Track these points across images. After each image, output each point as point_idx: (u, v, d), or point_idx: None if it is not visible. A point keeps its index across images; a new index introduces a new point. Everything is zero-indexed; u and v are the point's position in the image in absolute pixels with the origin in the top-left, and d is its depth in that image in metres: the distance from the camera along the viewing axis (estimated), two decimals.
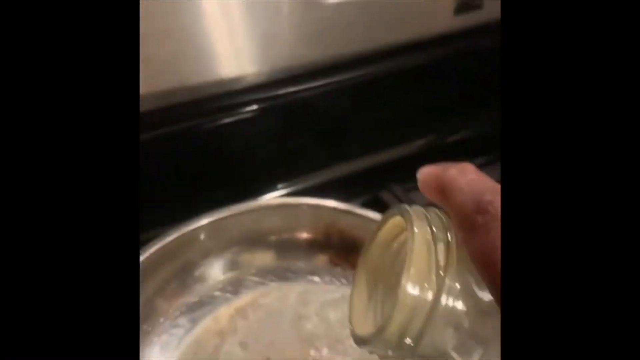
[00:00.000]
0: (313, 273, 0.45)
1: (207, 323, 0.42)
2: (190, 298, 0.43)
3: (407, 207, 0.19)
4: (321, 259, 0.45)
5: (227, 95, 0.48)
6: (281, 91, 0.50)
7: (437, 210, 0.19)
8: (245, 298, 0.44)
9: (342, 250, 0.44)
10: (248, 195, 0.49)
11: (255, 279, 0.44)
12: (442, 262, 0.17)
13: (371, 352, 0.19)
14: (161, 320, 0.41)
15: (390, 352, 0.18)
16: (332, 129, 0.58)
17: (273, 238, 0.44)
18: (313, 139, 0.57)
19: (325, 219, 0.43)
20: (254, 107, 0.51)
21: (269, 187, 0.54)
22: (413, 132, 0.63)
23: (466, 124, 0.65)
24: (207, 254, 0.43)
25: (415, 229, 0.17)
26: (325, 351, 0.40)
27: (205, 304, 0.43)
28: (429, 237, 0.17)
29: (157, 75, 0.44)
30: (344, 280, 0.45)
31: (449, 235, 0.18)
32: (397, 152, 0.61)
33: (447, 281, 0.16)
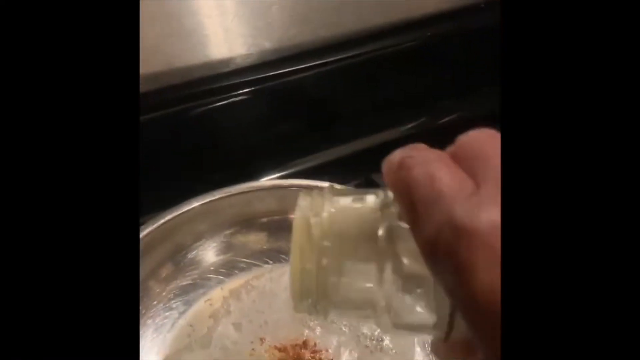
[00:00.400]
0: None
1: (201, 305, 0.42)
2: (184, 280, 0.43)
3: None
4: None
5: (217, 78, 0.48)
6: (271, 73, 0.50)
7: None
8: (238, 280, 0.44)
9: None
10: (241, 180, 0.49)
11: (249, 260, 0.44)
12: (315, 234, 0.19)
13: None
14: (154, 302, 0.41)
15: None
16: (324, 112, 0.57)
17: (265, 220, 0.44)
18: (305, 122, 0.57)
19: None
20: (245, 89, 0.50)
21: (263, 170, 0.54)
22: (405, 114, 0.62)
23: (459, 105, 0.65)
24: (200, 236, 0.43)
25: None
26: (318, 330, 0.41)
27: (198, 286, 0.43)
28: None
29: (145, 58, 0.44)
30: None
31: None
32: (389, 135, 0.61)
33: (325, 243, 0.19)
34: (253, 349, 0.39)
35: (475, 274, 0.15)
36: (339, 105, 0.58)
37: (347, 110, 0.58)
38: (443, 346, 0.20)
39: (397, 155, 0.18)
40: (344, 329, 0.41)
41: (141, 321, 0.40)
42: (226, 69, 0.48)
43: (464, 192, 0.16)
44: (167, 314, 0.41)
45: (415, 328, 0.21)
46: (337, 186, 0.22)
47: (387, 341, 0.40)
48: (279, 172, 0.54)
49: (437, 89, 0.64)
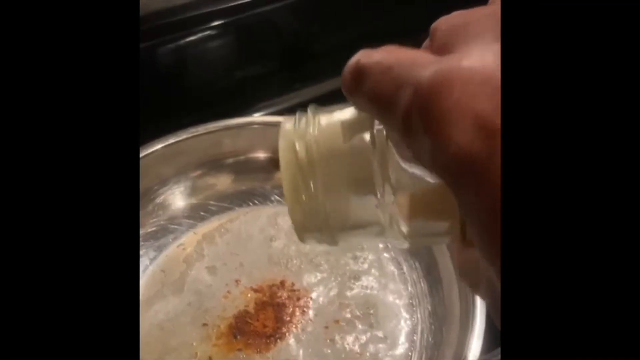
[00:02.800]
0: (281, 195, 0.44)
1: (173, 250, 0.41)
2: (152, 226, 0.41)
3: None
4: None
5: (182, 9, 0.44)
6: (240, 2, 0.46)
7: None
8: (212, 223, 0.42)
9: None
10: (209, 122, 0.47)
11: (220, 203, 0.43)
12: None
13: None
14: None
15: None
16: (298, 48, 0.54)
17: (232, 160, 0.42)
18: (277, 59, 0.54)
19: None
20: (213, 23, 0.47)
21: (233, 112, 0.51)
22: None
23: None
24: (166, 180, 0.41)
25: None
26: (296, 270, 0.40)
27: (168, 231, 0.41)
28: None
29: None
30: None
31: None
32: None
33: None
34: (228, 292, 0.38)
35: (452, 131, 0.12)
36: (314, 40, 0.55)
37: (323, 45, 0.55)
38: (462, 248, 0.17)
39: (347, 65, 0.16)
40: (322, 267, 0.40)
41: None
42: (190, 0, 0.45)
43: (426, 59, 0.14)
44: None
45: (430, 235, 0.19)
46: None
47: (365, 278, 0.39)
48: (250, 114, 0.51)
49: (419, 23, 0.60)
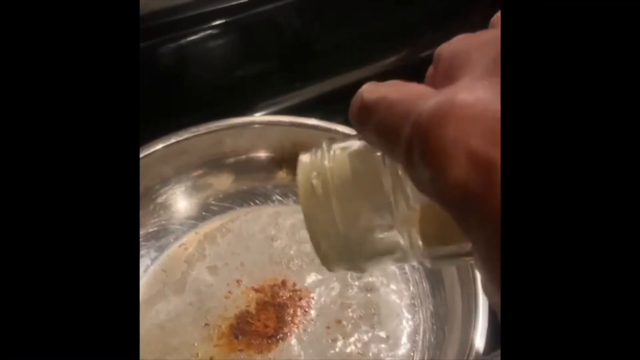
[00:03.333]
0: (283, 195, 0.44)
1: (174, 250, 0.41)
2: (154, 226, 0.41)
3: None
4: (289, 179, 0.43)
5: (183, 8, 0.44)
6: (241, 1, 0.46)
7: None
8: (213, 223, 0.42)
9: None
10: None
11: (221, 203, 0.43)
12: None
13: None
14: None
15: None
16: (299, 47, 0.54)
17: (232, 160, 0.42)
18: (278, 58, 0.54)
19: (281, 134, 0.41)
20: (214, 22, 0.47)
21: (234, 112, 0.51)
22: (385, 48, 0.59)
23: (441, 38, 0.62)
24: (167, 180, 0.41)
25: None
26: (297, 270, 0.39)
27: (170, 231, 0.41)
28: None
29: None
30: None
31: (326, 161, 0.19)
32: (369, 71, 0.58)
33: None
34: (229, 292, 0.38)
35: (450, 165, 0.13)
36: (315, 39, 0.55)
37: (324, 44, 0.55)
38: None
39: (353, 101, 0.17)
40: (323, 267, 0.40)
41: None
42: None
43: (427, 95, 0.14)
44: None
45: (452, 256, 0.19)
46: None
47: (367, 278, 0.39)
48: (251, 113, 0.51)
49: (418, 20, 0.60)
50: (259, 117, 0.44)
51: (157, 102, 0.46)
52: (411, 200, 0.17)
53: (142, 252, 0.40)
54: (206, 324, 0.37)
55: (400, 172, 0.17)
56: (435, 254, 0.18)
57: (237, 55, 0.51)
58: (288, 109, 0.52)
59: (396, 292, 0.38)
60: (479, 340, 0.31)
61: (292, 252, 0.40)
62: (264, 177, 0.43)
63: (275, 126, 0.41)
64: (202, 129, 0.41)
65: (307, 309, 0.37)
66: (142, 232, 0.40)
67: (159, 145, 0.39)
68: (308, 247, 0.41)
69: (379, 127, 0.15)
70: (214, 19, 0.47)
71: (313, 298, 0.38)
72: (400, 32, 0.59)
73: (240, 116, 0.47)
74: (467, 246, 0.17)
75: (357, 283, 0.39)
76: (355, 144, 0.19)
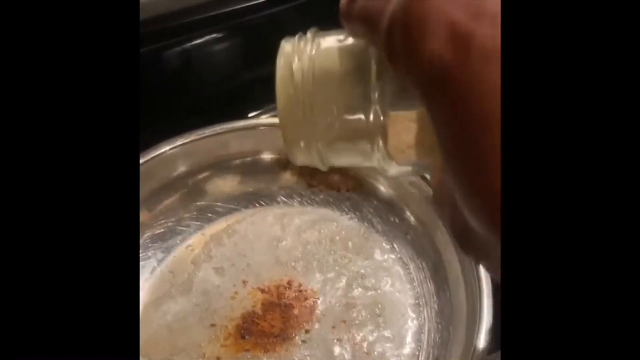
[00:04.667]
0: (289, 196, 0.44)
1: (181, 251, 0.41)
2: (160, 228, 0.41)
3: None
4: (294, 181, 0.43)
5: (189, 11, 0.45)
6: (247, 4, 0.47)
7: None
8: (219, 225, 0.42)
9: (315, 170, 0.43)
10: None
11: (227, 205, 0.43)
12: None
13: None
14: None
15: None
16: None
17: (239, 162, 0.42)
18: None
19: None
20: (220, 25, 0.47)
21: (241, 114, 0.51)
22: None
23: None
24: (173, 181, 0.42)
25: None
26: (303, 271, 0.40)
27: (176, 233, 0.41)
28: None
29: None
30: (319, 201, 0.44)
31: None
32: None
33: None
34: (236, 292, 0.38)
35: (427, 35, 0.12)
36: None
37: None
38: (439, 173, 0.17)
39: None
40: (329, 267, 0.40)
41: None
42: (198, 2, 0.45)
43: None
44: (144, 262, 0.40)
45: (415, 164, 0.19)
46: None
47: (372, 278, 0.39)
48: (257, 116, 0.51)
49: None
50: (264, 119, 0.44)
51: (163, 105, 0.47)
52: (387, 103, 0.18)
53: (148, 253, 0.40)
54: (213, 325, 0.37)
55: (384, 68, 0.17)
56: (400, 157, 0.19)
57: (242, 58, 0.51)
58: None
59: (401, 291, 0.39)
60: (484, 340, 0.31)
61: (297, 253, 0.41)
62: (269, 179, 0.43)
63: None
64: (208, 131, 0.41)
65: (312, 309, 0.38)
66: (148, 233, 0.40)
67: (165, 147, 0.40)
68: (314, 248, 0.41)
69: (362, 12, 0.15)
70: (220, 22, 0.48)
71: (318, 298, 0.38)
72: None
73: (246, 119, 0.48)
74: (429, 151, 0.18)
75: (362, 283, 0.39)
76: (341, 37, 0.19)
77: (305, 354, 0.36)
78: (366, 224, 0.42)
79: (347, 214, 0.43)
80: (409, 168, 0.20)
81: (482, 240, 0.13)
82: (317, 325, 0.37)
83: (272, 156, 0.43)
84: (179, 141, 0.40)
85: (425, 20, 0.12)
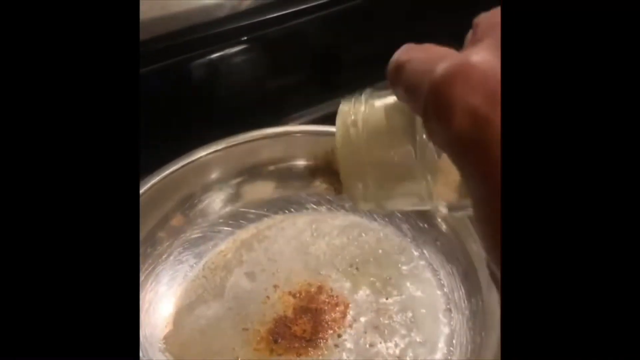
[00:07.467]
0: (318, 203, 0.44)
1: (213, 257, 0.42)
2: (194, 233, 0.42)
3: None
4: (323, 187, 0.44)
5: (212, 24, 0.46)
6: (270, 16, 0.48)
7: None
8: (250, 230, 0.43)
9: None
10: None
11: (258, 211, 0.44)
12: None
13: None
14: (165, 256, 0.40)
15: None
16: (328, 59, 0.55)
17: (272, 168, 0.43)
18: (308, 70, 0.55)
19: (324, 145, 0.42)
20: (244, 37, 0.48)
21: (265, 123, 0.52)
22: None
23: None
24: (207, 187, 0.42)
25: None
26: (333, 275, 0.40)
27: (208, 238, 0.42)
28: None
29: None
30: (347, 208, 0.44)
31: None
32: None
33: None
34: (267, 297, 0.39)
35: (453, 118, 0.15)
36: (344, 51, 0.56)
37: (353, 56, 0.56)
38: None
39: (391, 60, 0.19)
40: (359, 273, 0.40)
41: (152, 274, 0.39)
42: (220, 14, 0.46)
43: (448, 56, 0.16)
44: (178, 266, 0.40)
45: (461, 208, 0.21)
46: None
47: (402, 284, 0.39)
48: (282, 125, 0.52)
49: (451, 31, 0.61)
50: (296, 126, 0.45)
51: (194, 114, 0.48)
52: (434, 152, 0.20)
53: (182, 258, 0.41)
54: (245, 329, 0.37)
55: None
56: (449, 205, 0.21)
57: (268, 68, 0.52)
58: (318, 119, 0.53)
59: (431, 297, 0.39)
60: None
61: (326, 258, 0.41)
62: (299, 186, 0.44)
63: (312, 135, 0.42)
64: (240, 138, 0.42)
65: (344, 314, 0.38)
66: (183, 238, 0.41)
67: (200, 154, 0.41)
68: (343, 253, 0.42)
69: (405, 83, 0.18)
70: (245, 34, 0.49)
71: (349, 304, 0.39)
72: (430, 42, 0.59)
73: (274, 126, 0.48)
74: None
75: (393, 289, 0.39)
76: (392, 98, 0.21)
77: (339, 358, 0.36)
78: (396, 230, 0.43)
79: (375, 220, 0.43)
80: (459, 207, 0.21)
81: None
82: (349, 330, 0.37)
83: (304, 163, 0.44)
84: (213, 147, 0.41)
85: (450, 104, 0.15)
